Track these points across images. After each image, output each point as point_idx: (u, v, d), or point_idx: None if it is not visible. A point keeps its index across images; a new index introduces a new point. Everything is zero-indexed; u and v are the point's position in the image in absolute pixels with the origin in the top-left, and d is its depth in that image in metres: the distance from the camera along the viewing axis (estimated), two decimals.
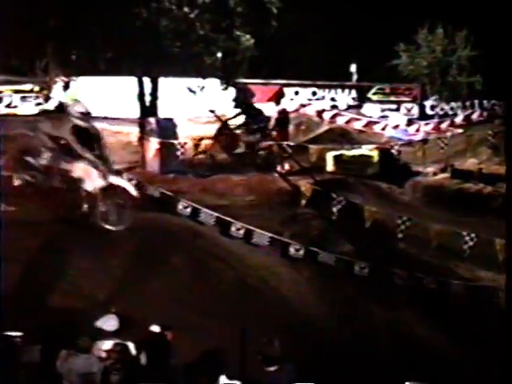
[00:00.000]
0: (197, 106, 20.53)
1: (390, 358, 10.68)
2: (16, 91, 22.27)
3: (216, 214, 13.56)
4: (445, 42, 26.42)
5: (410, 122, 24.22)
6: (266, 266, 12.53)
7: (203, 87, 18.50)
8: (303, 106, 22.77)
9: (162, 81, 18.80)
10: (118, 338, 8.01)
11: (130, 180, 13.56)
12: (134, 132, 19.09)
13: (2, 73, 21.02)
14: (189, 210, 13.69)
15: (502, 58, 10.19)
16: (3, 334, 7.46)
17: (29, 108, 21.92)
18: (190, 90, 18.68)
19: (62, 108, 16.10)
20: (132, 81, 18.77)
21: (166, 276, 11.07)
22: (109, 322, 8.64)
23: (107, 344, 7.76)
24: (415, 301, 12.76)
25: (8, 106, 22.01)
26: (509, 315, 8.13)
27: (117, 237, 11.49)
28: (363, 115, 24.48)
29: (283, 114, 19.11)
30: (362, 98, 25.51)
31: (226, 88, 19.22)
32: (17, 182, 11.83)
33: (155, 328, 8.54)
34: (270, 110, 22.66)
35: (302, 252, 13.23)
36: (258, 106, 20.11)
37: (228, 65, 18.54)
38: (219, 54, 18.41)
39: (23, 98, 22.18)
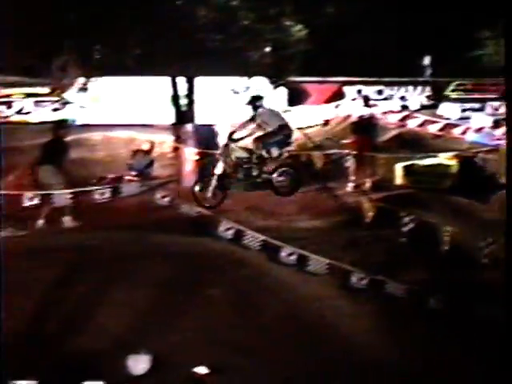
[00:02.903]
0: (241, 109, 20.61)
1: None
2: (28, 95, 22.68)
3: (263, 237, 13.54)
4: None
5: (496, 124, 23.87)
6: (323, 299, 12.44)
7: (249, 87, 18.55)
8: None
9: (199, 81, 18.92)
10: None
11: (163, 197, 13.68)
12: (167, 141, 19.27)
13: (12, 73, 21.41)
14: (231, 232, 13.69)
15: None
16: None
17: (44, 114, 22.30)
18: (234, 92, 18.75)
19: None
20: (165, 81, 18.94)
21: (203, 311, 11.07)
22: (139, 364, 8.78)
23: None
24: (507, 340, 12.48)
25: (19, 112, 22.44)
26: None
27: (144, 264, 11.58)
28: (440, 117, 24.26)
29: (363, 118, 18.95)
30: (439, 97, 25.32)
31: (275, 88, 19.24)
32: (28, 202, 12.00)
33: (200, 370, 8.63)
34: (330, 112, 22.74)
35: (365, 282, 13.12)
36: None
37: (278, 60, 18.55)
38: (267, 48, 18.44)
39: (37, 103, 22.58)
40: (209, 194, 11.95)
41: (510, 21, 9.99)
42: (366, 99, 19.42)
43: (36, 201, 12.96)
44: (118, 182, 16.21)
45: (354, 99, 22.80)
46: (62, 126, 15.39)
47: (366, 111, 18.98)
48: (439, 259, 14.00)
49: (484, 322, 12.52)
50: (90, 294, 10.78)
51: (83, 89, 18.69)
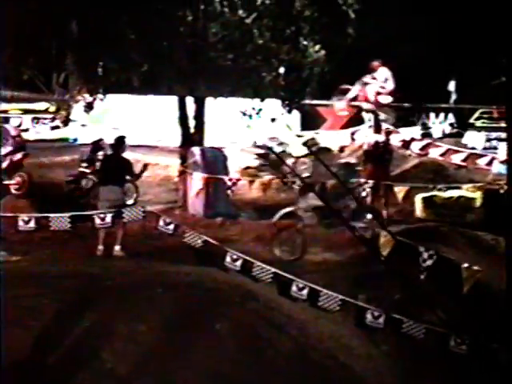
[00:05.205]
0: (252, 133, 20.72)
1: None
2: (27, 111, 22.80)
3: (273, 270, 13.52)
4: None
5: None
6: (335, 337, 12.43)
7: (260, 110, 18.64)
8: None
9: (209, 101, 19.03)
10: None
11: (167, 224, 13.70)
12: (173, 164, 19.35)
13: (9, 87, 21.53)
14: (239, 263, 13.68)
15: None
16: None
17: (43, 132, 22.42)
18: (244, 114, 18.84)
19: None
20: (172, 101, 19.06)
21: (209, 347, 11.07)
22: None
23: None
24: None
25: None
26: None
27: (147, 296, 11.61)
28: (464, 146, 24.28)
29: (378, 145, 19.00)
30: (463, 125, 25.36)
31: (289, 111, 19.32)
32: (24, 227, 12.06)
33: None
34: (345, 139, 22.78)
35: (381, 320, 13.07)
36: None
37: (292, 82, 18.64)
38: (281, 69, 18.53)
39: (36, 120, 22.71)
40: None
41: None
42: (379, 125, 19.51)
43: (32, 224, 12.96)
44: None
45: (371, 126, 22.88)
46: (120, 142, 15.67)
47: (382, 138, 19.06)
48: (460, 298, 13.98)
49: (508, 366, 12.50)
50: (89, 326, 10.81)
51: (87, 107, 18.81)
